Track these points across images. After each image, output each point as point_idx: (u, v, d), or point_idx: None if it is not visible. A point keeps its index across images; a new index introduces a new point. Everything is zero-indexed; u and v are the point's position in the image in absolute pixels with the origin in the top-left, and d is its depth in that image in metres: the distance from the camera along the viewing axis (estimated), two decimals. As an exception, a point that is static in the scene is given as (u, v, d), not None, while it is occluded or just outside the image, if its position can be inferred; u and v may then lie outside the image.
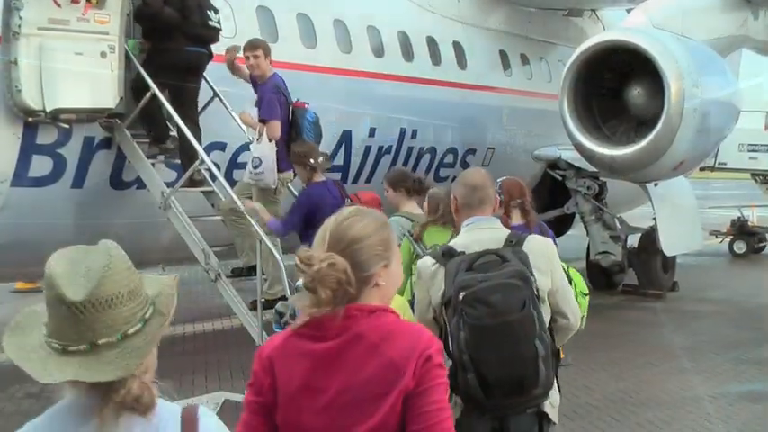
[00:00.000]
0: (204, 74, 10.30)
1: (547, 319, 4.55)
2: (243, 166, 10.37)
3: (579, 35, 16.81)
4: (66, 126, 9.24)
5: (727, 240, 24.50)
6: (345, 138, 12.74)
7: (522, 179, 6.41)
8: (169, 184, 9.84)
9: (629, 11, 17.37)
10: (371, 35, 13.38)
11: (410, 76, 13.96)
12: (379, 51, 13.47)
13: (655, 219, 15.96)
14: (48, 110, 8.82)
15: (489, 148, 15.56)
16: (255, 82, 9.99)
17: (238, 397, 9.27)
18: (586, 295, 5.49)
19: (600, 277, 17.04)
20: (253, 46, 9.86)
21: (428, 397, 2.88)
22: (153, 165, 9.86)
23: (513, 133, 16.00)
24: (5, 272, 10.91)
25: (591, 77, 13.55)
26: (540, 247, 4.61)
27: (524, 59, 16.80)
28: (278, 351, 3.02)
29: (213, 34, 10.07)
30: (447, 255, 4.52)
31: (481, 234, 4.63)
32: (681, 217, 16.65)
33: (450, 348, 4.26)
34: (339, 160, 12.57)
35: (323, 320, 2.93)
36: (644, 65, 12.96)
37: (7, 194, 9.16)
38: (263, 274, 9.47)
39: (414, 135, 13.96)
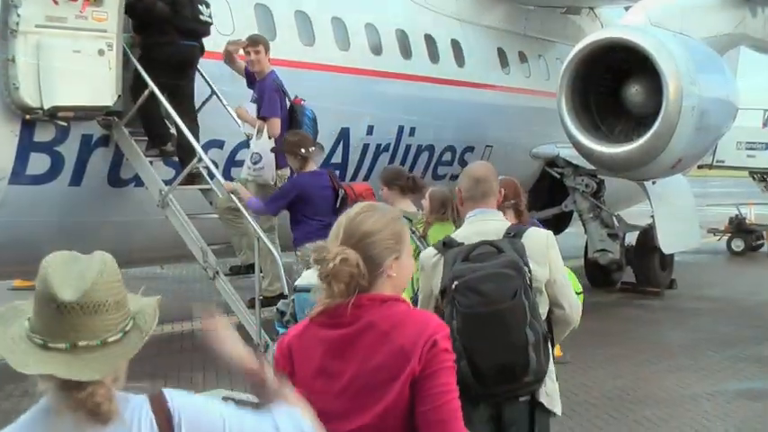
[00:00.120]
0: (202, 72, 10.29)
1: (544, 309, 4.66)
2: (241, 164, 10.37)
3: (577, 33, 16.80)
4: (64, 124, 9.23)
5: (725, 238, 24.55)
6: (343, 135, 12.73)
7: (516, 179, 6.44)
8: (167, 182, 9.83)
9: (627, 9, 17.39)
10: (369, 33, 13.37)
11: (408, 73, 13.94)
12: (377, 49, 13.46)
13: (653, 216, 15.98)
14: (45, 107, 8.81)
15: (487, 146, 15.55)
16: (252, 77, 10.00)
17: (237, 394, 9.27)
18: (580, 293, 5.52)
19: (598, 275, 17.06)
20: (254, 41, 9.89)
21: (435, 380, 3.03)
22: (151, 163, 9.85)
23: (511, 131, 15.98)
24: (3, 270, 10.91)
25: (589, 75, 13.55)
26: (538, 239, 4.71)
27: (522, 57, 16.80)
28: (296, 339, 3.23)
29: (205, 28, 10.07)
30: (447, 246, 4.65)
31: (483, 226, 4.73)
32: (679, 215, 16.67)
33: None
34: (337, 158, 12.57)
35: (338, 309, 3.10)
36: (642, 63, 12.96)
37: (5, 192, 9.15)
38: (260, 271, 9.47)
39: (412, 133, 13.95)
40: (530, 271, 4.50)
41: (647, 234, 16.79)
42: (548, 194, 16.46)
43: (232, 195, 9.50)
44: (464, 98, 15.00)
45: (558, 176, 16.21)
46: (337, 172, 11.36)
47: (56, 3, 8.75)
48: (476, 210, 4.84)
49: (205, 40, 10.24)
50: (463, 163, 15.11)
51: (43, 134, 9.26)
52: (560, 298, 4.76)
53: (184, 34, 9.85)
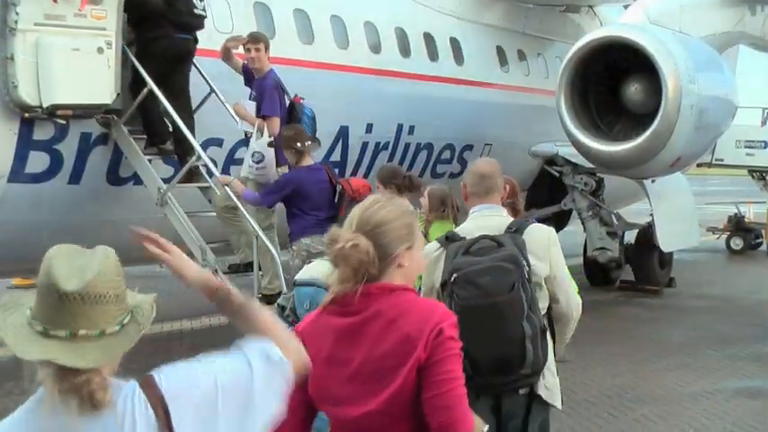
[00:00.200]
0: (201, 70, 10.29)
1: (544, 304, 4.74)
2: (240, 162, 10.37)
3: (576, 31, 16.80)
4: (63, 122, 9.22)
5: (724, 237, 24.56)
6: (342, 134, 12.73)
7: (515, 178, 6.48)
8: (166, 181, 9.83)
9: (626, 7, 17.40)
10: (368, 31, 13.37)
11: (407, 72, 13.94)
12: (376, 47, 13.46)
13: (652, 215, 15.98)
14: (44, 106, 8.79)
15: (486, 144, 15.54)
16: (250, 75, 9.99)
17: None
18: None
19: (597, 273, 17.07)
20: (255, 39, 9.89)
21: (440, 367, 3.13)
22: (150, 161, 9.85)
23: (510, 129, 15.97)
24: (2, 268, 10.91)
25: (588, 74, 13.55)
26: (539, 235, 4.80)
27: (521, 55, 16.79)
28: (309, 327, 3.34)
29: (199, 21, 10.06)
30: (450, 240, 4.74)
31: (486, 221, 4.84)
32: (678, 213, 16.67)
33: None
34: (336, 156, 12.57)
35: (348, 298, 3.22)
36: (641, 61, 12.95)
37: (4, 190, 9.14)
38: (259, 269, 9.47)
39: (411, 131, 13.94)
40: (529, 265, 4.56)
41: (647, 232, 16.80)
42: (547, 193, 16.46)
43: (227, 188, 9.51)
44: (463, 96, 14.99)
45: (558, 175, 16.21)
46: (336, 170, 11.36)
47: (55, 1, 8.73)
48: (480, 205, 4.94)
49: (204, 38, 10.24)
50: (462, 161, 15.12)
51: (42, 132, 9.25)
52: (559, 293, 4.83)
53: (179, 28, 9.85)
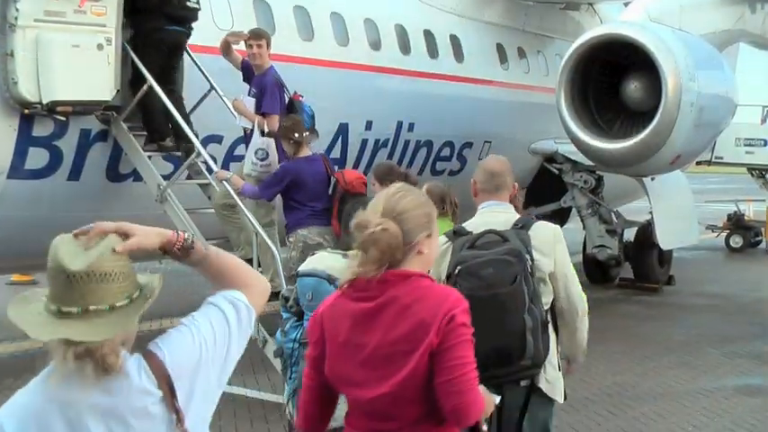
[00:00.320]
0: (201, 67, 10.28)
1: (548, 299, 4.85)
2: (239, 158, 10.36)
3: (576, 29, 16.79)
4: (63, 118, 9.22)
5: (724, 235, 24.55)
6: (342, 131, 12.72)
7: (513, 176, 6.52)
8: (166, 177, 9.82)
9: (626, 5, 17.40)
10: (368, 28, 13.36)
11: (407, 69, 13.93)
12: (376, 44, 13.45)
13: (651, 213, 15.96)
14: (44, 102, 8.79)
15: (486, 142, 15.53)
16: (249, 71, 9.98)
17: (235, 390, 9.28)
18: None
19: (596, 271, 17.07)
20: (257, 35, 9.88)
21: (452, 353, 3.25)
22: (150, 158, 9.84)
23: (510, 127, 15.96)
24: (2, 264, 10.91)
25: (588, 71, 13.54)
26: (544, 232, 4.92)
27: (521, 53, 16.78)
28: (328, 310, 3.48)
29: (193, 14, 10.05)
30: (457, 234, 4.87)
31: (493, 217, 4.95)
32: (677, 211, 16.66)
33: None
34: (336, 153, 12.56)
35: (365, 283, 3.34)
36: (641, 59, 12.94)
37: (3, 187, 9.14)
38: (259, 266, 9.46)
39: (410, 128, 13.94)
40: (532, 260, 4.68)
41: (646, 230, 16.79)
42: (546, 190, 16.44)
43: (225, 183, 9.51)
44: (463, 94, 14.98)
45: (557, 172, 16.19)
46: (336, 167, 11.37)
47: (55, -3, 8.75)
48: (488, 201, 5.06)
49: (203, 35, 10.24)
50: (462, 159, 15.12)
51: (42, 129, 9.25)
52: (562, 289, 4.94)
53: (172, 20, 9.85)
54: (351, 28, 13.02)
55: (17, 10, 8.53)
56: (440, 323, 3.24)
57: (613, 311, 14.73)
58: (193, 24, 10.11)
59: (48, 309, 2.51)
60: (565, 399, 5.08)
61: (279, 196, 9.46)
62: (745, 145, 23.90)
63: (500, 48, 16.15)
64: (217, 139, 10.87)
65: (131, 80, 9.73)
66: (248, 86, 10.01)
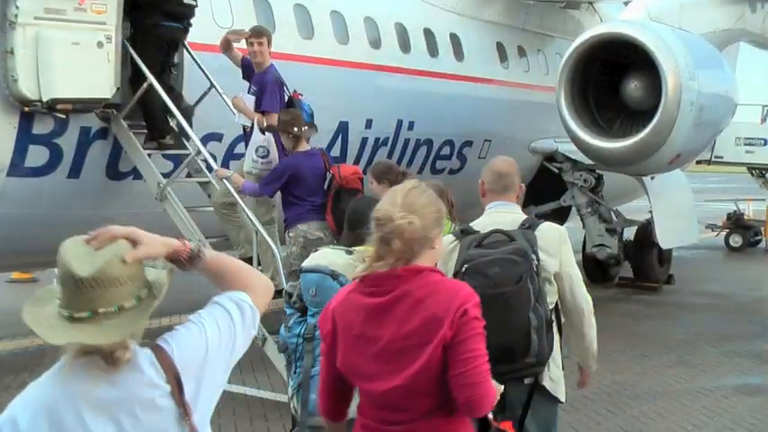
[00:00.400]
0: (201, 65, 10.28)
1: (553, 299, 4.94)
2: (239, 157, 10.36)
3: (576, 28, 16.79)
4: (63, 116, 9.21)
5: (723, 234, 24.57)
6: (342, 129, 12.72)
7: None
8: (165, 175, 9.82)
9: (626, 4, 17.40)
10: (369, 27, 13.36)
11: (407, 67, 13.93)
12: (376, 43, 13.45)
13: (651, 212, 15.97)
14: (44, 100, 8.79)
15: (486, 141, 15.54)
16: (249, 69, 9.98)
17: (234, 388, 9.27)
18: None
19: (596, 270, 17.07)
20: (259, 33, 9.87)
21: (465, 345, 3.37)
22: (149, 156, 9.84)
23: (510, 126, 15.96)
24: (2, 262, 10.91)
25: (588, 70, 13.54)
26: (550, 232, 4.99)
27: (521, 52, 16.77)
28: (340, 305, 3.58)
29: (190, 11, 10.05)
30: (465, 233, 4.95)
31: (500, 217, 5.03)
32: (677, 210, 16.66)
33: None
34: (336, 151, 12.55)
35: (377, 278, 3.45)
36: (641, 58, 12.94)
37: (3, 184, 9.14)
38: (259, 264, 9.46)
39: (410, 127, 13.94)
40: (537, 260, 4.75)
41: (646, 229, 16.80)
42: (546, 189, 16.44)
43: (225, 182, 9.51)
44: (463, 92, 14.98)
45: (557, 171, 16.20)
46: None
47: (55, -5, 8.75)
48: (495, 202, 5.14)
49: (204, 33, 10.24)
50: (461, 157, 15.12)
51: (42, 126, 9.25)
52: (567, 289, 5.02)
53: (169, 16, 9.85)
54: (351, 26, 13.02)
55: (17, 8, 8.52)
56: (453, 316, 3.34)
57: (613, 310, 14.73)
58: (194, 23, 10.12)
59: (60, 313, 2.59)
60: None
61: (265, 178, 9.46)
62: (745, 144, 23.91)
63: (500, 46, 16.15)
64: (217, 137, 10.87)
65: (131, 78, 9.73)
66: (248, 84, 10.00)
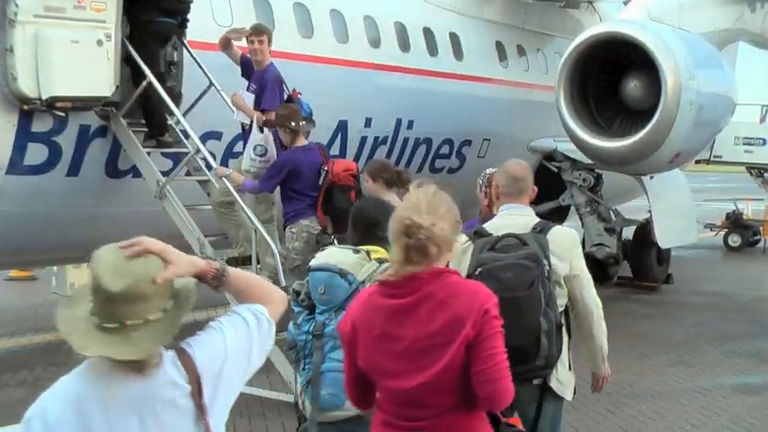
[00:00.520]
0: (200, 63, 10.28)
1: (562, 302, 5.05)
2: (238, 155, 10.35)
3: (576, 27, 16.79)
4: (62, 114, 9.21)
5: (722, 233, 24.58)
6: (341, 128, 12.72)
7: None
8: (165, 173, 9.82)
9: (626, 3, 17.40)
10: (368, 25, 13.35)
11: (406, 66, 13.92)
12: (375, 42, 13.45)
13: (650, 211, 15.97)
14: (43, 98, 8.78)
15: (485, 140, 15.54)
16: (248, 67, 9.97)
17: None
18: None
19: (594, 269, 16.83)
20: (259, 31, 9.86)
21: (487, 343, 3.50)
22: (149, 154, 9.84)
23: (509, 125, 15.96)
24: (1, 260, 10.90)
25: (587, 69, 13.54)
26: (562, 236, 5.11)
27: (521, 51, 16.77)
28: (361, 306, 3.73)
29: (185, 7, 10.05)
30: (478, 234, 5.04)
31: (513, 220, 5.15)
32: (676, 210, 16.67)
33: None
34: (335, 150, 12.54)
35: (399, 281, 3.57)
36: (641, 57, 12.94)
37: (2, 182, 9.14)
38: (258, 263, 9.47)
39: (410, 126, 13.94)
40: (549, 264, 4.84)
41: (645, 229, 16.81)
42: (545, 188, 16.40)
43: (224, 180, 9.51)
44: (462, 91, 14.98)
45: (556, 170, 16.19)
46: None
47: (54, -7, 8.74)
48: (509, 204, 5.27)
49: (203, 31, 10.23)
50: (461, 156, 15.12)
51: (41, 124, 9.24)
52: (577, 292, 5.15)
53: (166, 12, 9.86)
54: (350, 25, 13.02)
55: (17, 6, 8.52)
56: (476, 316, 3.48)
57: (611, 310, 14.57)
58: (194, 21, 10.11)
59: (90, 320, 2.69)
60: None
61: (265, 174, 9.47)
62: (744, 144, 23.91)
63: (499, 45, 16.15)
64: (216, 136, 10.87)
65: (131, 75, 9.72)
66: (247, 82, 10.00)
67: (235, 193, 9.46)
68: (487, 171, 7.54)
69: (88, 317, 2.70)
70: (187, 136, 9.83)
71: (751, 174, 26.14)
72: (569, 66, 13.34)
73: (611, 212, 16.21)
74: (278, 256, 9.21)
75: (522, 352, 4.64)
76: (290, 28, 11.99)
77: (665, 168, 14.41)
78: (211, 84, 10.35)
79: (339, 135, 12.72)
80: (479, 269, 4.75)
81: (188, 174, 10.29)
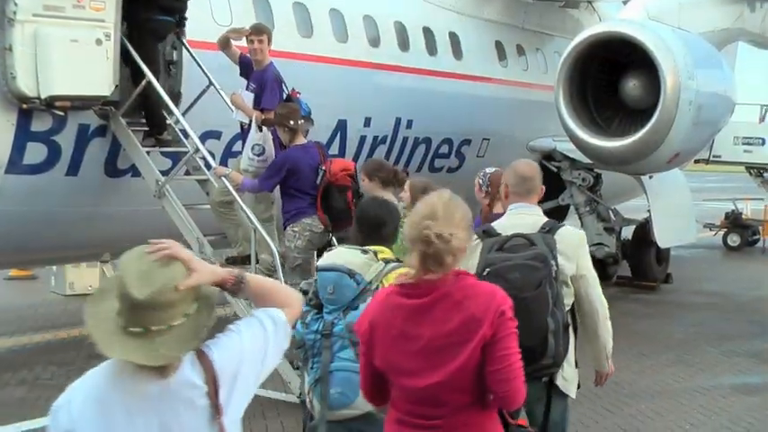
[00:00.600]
0: (200, 63, 10.28)
1: (569, 301, 5.12)
2: (237, 154, 10.35)
3: (575, 26, 16.79)
4: (61, 113, 9.21)
5: (722, 233, 24.59)
6: (340, 127, 12.72)
7: None
8: (164, 173, 9.82)
9: (625, 2, 17.40)
10: (368, 25, 13.35)
11: (406, 66, 13.92)
12: (375, 41, 13.45)
13: (649, 211, 15.97)
14: (42, 97, 8.78)
15: (485, 139, 15.55)
16: (247, 66, 9.97)
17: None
18: None
19: (594, 269, 17.03)
20: (259, 31, 9.86)
21: (502, 344, 3.62)
22: (148, 153, 9.84)
23: (508, 124, 15.97)
24: (0, 259, 10.89)
25: (587, 69, 13.53)
26: (569, 237, 5.19)
27: (520, 50, 16.78)
28: (378, 306, 3.84)
29: (183, 5, 10.07)
30: (486, 233, 5.10)
31: (521, 219, 5.22)
32: (675, 209, 16.67)
33: None
34: (334, 150, 12.55)
35: (418, 282, 3.68)
36: (640, 57, 12.94)
37: (2, 181, 9.13)
38: (257, 262, 9.46)
39: (409, 125, 13.94)
40: (557, 264, 4.92)
41: (644, 228, 16.81)
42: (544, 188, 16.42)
43: (223, 179, 9.51)
44: (461, 91, 14.98)
45: (555, 170, 16.19)
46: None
47: (54, -8, 8.73)
48: (518, 204, 5.33)
49: (203, 31, 10.23)
50: (460, 156, 15.12)
51: (40, 124, 9.24)
52: (584, 292, 5.23)
53: (163, 10, 9.86)
54: (350, 25, 13.02)
55: (16, 4, 8.52)
56: (492, 317, 3.60)
57: (611, 309, 14.58)
58: (193, 21, 10.11)
59: (116, 321, 2.79)
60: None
61: (264, 173, 9.46)
62: (744, 143, 23.91)
63: (499, 45, 16.15)
64: (215, 135, 10.87)
65: (130, 74, 9.72)
66: (245, 81, 10.00)
67: (234, 193, 9.46)
68: (487, 171, 7.55)
69: (114, 317, 2.79)
70: (186, 135, 9.84)
71: (750, 173, 26.14)
72: (569, 65, 13.34)
73: (611, 212, 16.22)
74: (277, 255, 9.21)
75: (531, 351, 4.66)
76: (289, 27, 11.99)
77: (664, 168, 14.41)
78: (211, 83, 10.35)
79: (338, 134, 12.72)
80: (488, 269, 4.80)
81: (187, 173, 10.29)
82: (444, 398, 3.67)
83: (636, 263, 17.36)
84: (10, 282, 16.57)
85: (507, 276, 4.73)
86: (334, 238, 9.32)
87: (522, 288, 4.70)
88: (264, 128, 9.58)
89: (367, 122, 13.22)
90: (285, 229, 9.49)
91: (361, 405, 4.59)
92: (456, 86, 14.88)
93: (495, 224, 5.25)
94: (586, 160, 14.89)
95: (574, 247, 5.16)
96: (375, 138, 13.42)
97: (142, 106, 9.93)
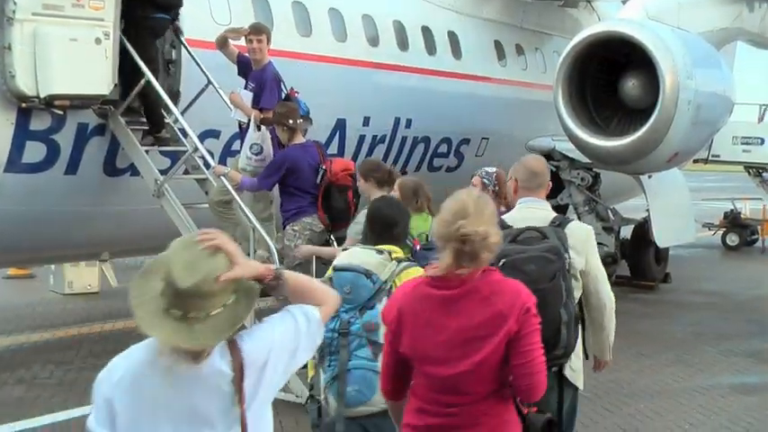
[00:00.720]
0: (198, 62, 10.28)
1: (577, 294, 5.28)
2: (236, 153, 10.35)
3: (574, 26, 16.80)
4: (60, 112, 9.21)
5: (720, 233, 24.59)
6: (339, 126, 12.72)
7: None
8: (163, 172, 9.81)
9: (624, 2, 17.38)
10: (367, 24, 13.35)
11: (405, 65, 13.93)
12: (374, 40, 13.44)
13: (648, 210, 15.97)
14: (41, 96, 8.79)
15: (484, 139, 15.55)
16: (246, 65, 9.97)
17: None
18: None
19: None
20: (258, 30, 9.87)
21: (527, 339, 3.80)
22: (147, 152, 9.83)
23: (507, 124, 15.97)
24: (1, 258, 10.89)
25: (586, 68, 13.53)
26: (579, 231, 5.34)
27: (519, 50, 16.78)
28: (406, 295, 3.99)
29: (179, 2, 10.07)
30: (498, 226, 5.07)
31: (532, 213, 5.33)
32: (674, 209, 16.67)
33: None
34: (333, 149, 12.56)
35: (448, 275, 3.82)
36: (639, 57, 12.94)
37: (0, 180, 9.13)
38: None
39: (408, 124, 13.94)
40: (569, 258, 5.04)
41: (643, 228, 16.81)
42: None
43: (222, 178, 9.50)
44: (460, 90, 14.99)
45: (554, 169, 16.17)
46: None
47: (53, -9, 8.73)
48: (527, 198, 5.45)
49: (202, 30, 10.22)
50: (459, 155, 15.12)
51: (39, 123, 9.24)
52: (593, 286, 5.36)
53: (160, 8, 9.87)
54: (349, 24, 13.02)
55: (15, 3, 8.52)
56: (518, 313, 3.77)
57: (610, 309, 14.70)
58: (193, 20, 10.11)
59: (159, 302, 2.92)
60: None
61: (263, 172, 9.46)
62: (743, 143, 23.91)
63: (498, 45, 16.15)
64: (214, 134, 10.86)
65: (130, 73, 9.71)
66: (243, 80, 9.99)
67: (233, 192, 9.45)
68: (486, 170, 7.55)
69: (158, 296, 2.93)
70: (185, 134, 9.84)
71: (749, 173, 26.13)
72: (568, 65, 13.34)
73: (610, 211, 16.21)
74: (276, 255, 9.21)
75: (544, 342, 4.74)
76: (288, 27, 11.99)
77: (663, 167, 14.41)
78: (209, 82, 10.35)
79: (337, 134, 12.72)
80: (503, 260, 4.83)
81: (186, 172, 10.28)
82: (466, 388, 3.82)
83: (635, 262, 17.36)
84: (8, 281, 16.56)
85: (523, 268, 4.81)
86: (334, 239, 9.32)
87: (538, 280, 4.77)
88: (263, 127, 9.58)
89: (366, 122, 13.22)
90: (285, 227, 9.49)
91: (378, 402, 4.72)
92: (455, 86, 14.88)
93: (506, 217, 5.34)
94: (585, 160, 14.89)
95: (583, 242, 5.27)
96: (374, 137, 13.41)
97: (141, 105, 9.93)
